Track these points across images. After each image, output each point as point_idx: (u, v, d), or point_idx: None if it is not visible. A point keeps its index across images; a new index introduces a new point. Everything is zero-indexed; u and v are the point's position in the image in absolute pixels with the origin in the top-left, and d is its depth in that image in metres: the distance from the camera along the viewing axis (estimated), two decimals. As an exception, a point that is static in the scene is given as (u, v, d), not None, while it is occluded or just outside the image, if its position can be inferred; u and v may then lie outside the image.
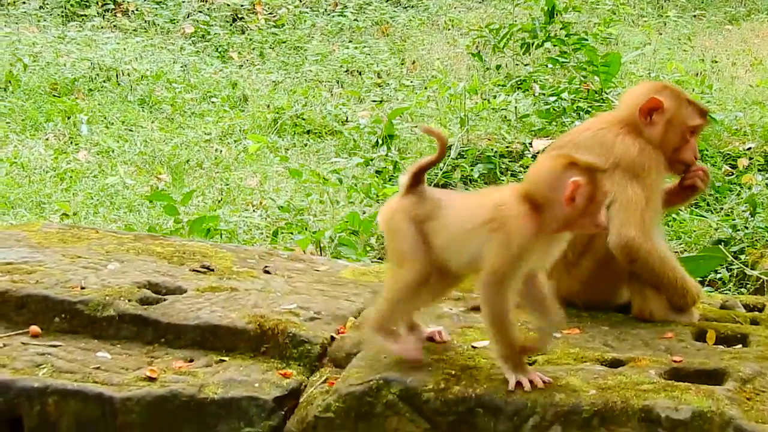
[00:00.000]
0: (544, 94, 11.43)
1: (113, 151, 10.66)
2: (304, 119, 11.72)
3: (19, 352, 4.57)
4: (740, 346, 4.57)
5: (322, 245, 8.01)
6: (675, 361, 4.31)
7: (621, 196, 4.74)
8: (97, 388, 4.35)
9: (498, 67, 13.32)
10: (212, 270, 5.31)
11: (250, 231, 8.75)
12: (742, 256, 8.06)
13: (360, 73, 13.81)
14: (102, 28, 14.98)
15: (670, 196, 5.06)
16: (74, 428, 4.33)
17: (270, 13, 15.72)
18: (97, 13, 15.46)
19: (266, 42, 14.80)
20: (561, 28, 12.64)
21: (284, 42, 14.87)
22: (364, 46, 14.74)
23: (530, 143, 10.32)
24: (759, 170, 9.76)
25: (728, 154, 10.14)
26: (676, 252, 7.42)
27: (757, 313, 4.96)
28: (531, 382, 4.08)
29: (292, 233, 8.49)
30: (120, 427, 4.32)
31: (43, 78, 12.57)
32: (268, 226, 8.79)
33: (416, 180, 4.26)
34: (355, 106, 12.35)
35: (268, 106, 12.06)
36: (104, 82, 12.70)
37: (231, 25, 15.36)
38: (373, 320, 4.30)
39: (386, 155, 10.23)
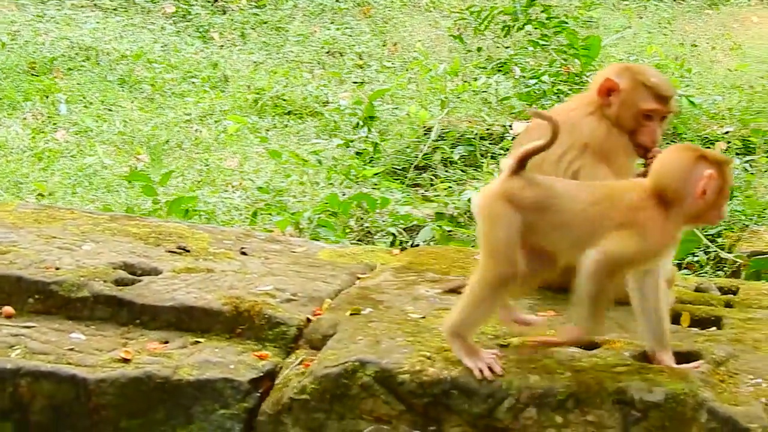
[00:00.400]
0: (524, 77, 11.45)
1: (92, 131, 10.62)
2: (284, 100, 11.70)
3: (-8, 333, 4.55)
4: (714, 328, 4.58)
5: (301, 227, 8.00)
6: (650, 344, 4.32)
7: (593, 179, 4.74)
8: (70, 370, 4.33)
9: (479, 49, 13.31)
10: (188, 251, 5.29)
11: (229, 212, 8.73)
12: (719, 240, 8.09)
13: (341, 55, 13.78)
14: (82, 6, 14.88)
15: None
16: (47, 410, 4.30)
17: (251, -6, 15.67)
18: (77, -9, 15.40)
19: (247, 22, 14.75)
20: (542, 11, 12.64)
21: (265, 23, 14.82)
22: (346, 28, 14.71)
23: (510, 126, 10.33)
24: (736, 154, 9.80)
25: (706, 137, 10.18)
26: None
27: (731, 296, 4.97)
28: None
29: (271, 214, 8.47)
30: (94, 409, 4.30)
31: (21, 57, 12.50)
32: (248, 207, 8.77)
33: (521, 165, 4.06)
34: (336, 87, 12.33)
35: (249, 87, 12.03)
36: (84, 61, 12.64)
37: (212, 5, 15.29)
38: (452, 322, 4.12)
39: (366, 137, 10.22)
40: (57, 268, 4.89)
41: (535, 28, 12.48)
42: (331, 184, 9.27)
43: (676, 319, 4.65)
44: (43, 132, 10.47)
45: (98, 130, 10.63)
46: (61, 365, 4.35)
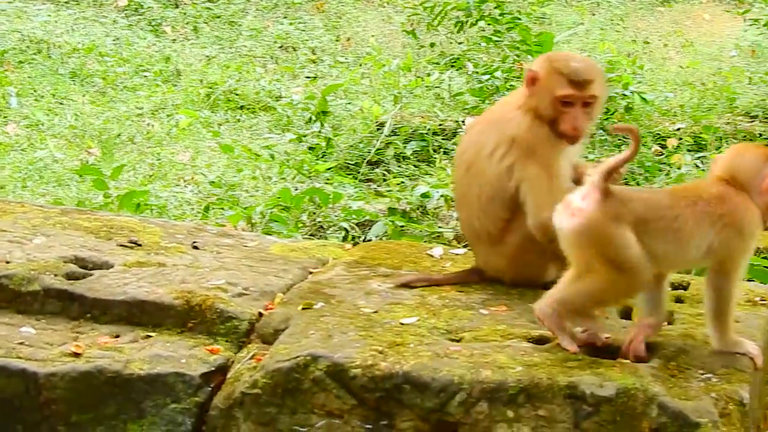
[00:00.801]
0: (477, 73, 11.45)
1: (43, 125, 10.54)
2: (237, 95, 11.65)
3: (-59, 327, 4.51)
4: (665, 323, 4.61)
5: (253, 221, 7.98)
6: (601, 339, 4.34)
7: (525, 176, 4.77)
8: (20, 364, 4.30)
9: (432, 45, 13.30)
10: (140, 245, 5.27)
11: (181, 206, 8.69)
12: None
13: (294, 49, 13.75)
14: (33, -1, 14.78)
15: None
16: (-3, 404, 4.29)
17: (204, -13, 15.58)
18: (28, -16, 15.26)
19: (200, 16, 14.66)
20: (495, 7, 12.62)
21: (218, 17, 14.74)
22: (299, 22, 14.67)
23: (463, 121, 10.34)
24: (688, 150, 9.87)
25: (658, 134, 10.24)
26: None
27: (681, 291, 5.00)
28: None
29: (223, 209, 8.44)
30: (44, 403, 4.28)
31: (-29, 50, 12.40)
32: (200, 202, 8.73)
33: (607, 180, 4.15)
34: (288, 82, 12.30)
35: (201, 81, 11.97)
36: (35, 54, 12.53)
37: (165, -2, 15.21)
38: (559, 305, 4.22)
39: (319, 132, 10.19)
40: (7, 262, 4.87)
41: (489, 24, 12.48)
42: (283, 178, 9.25)
43: (627, 314, 4.68)
44: (-7, 125, 10.38)
45: (49, 124, 10.55)
46: (11, 359, 4.32)
